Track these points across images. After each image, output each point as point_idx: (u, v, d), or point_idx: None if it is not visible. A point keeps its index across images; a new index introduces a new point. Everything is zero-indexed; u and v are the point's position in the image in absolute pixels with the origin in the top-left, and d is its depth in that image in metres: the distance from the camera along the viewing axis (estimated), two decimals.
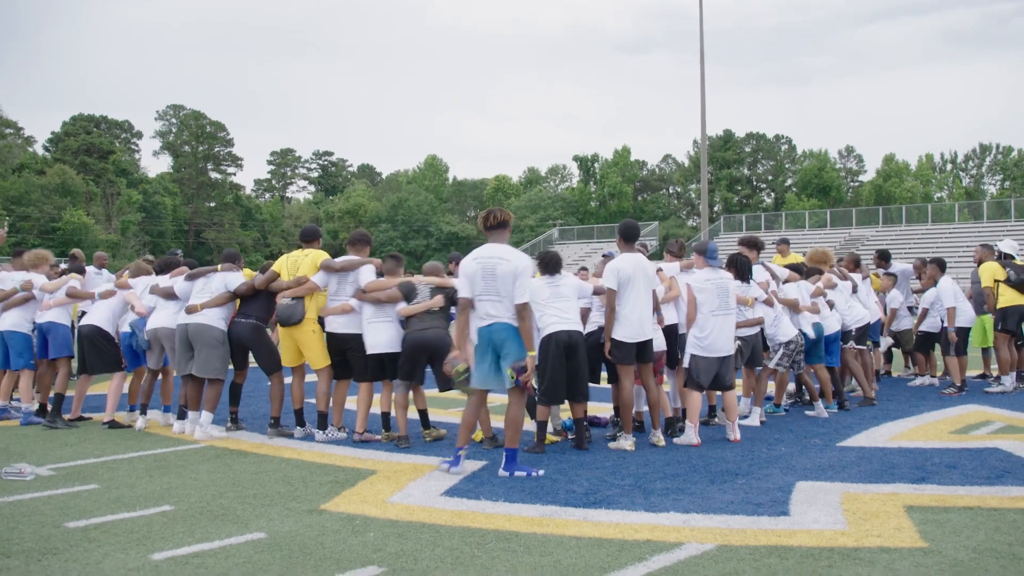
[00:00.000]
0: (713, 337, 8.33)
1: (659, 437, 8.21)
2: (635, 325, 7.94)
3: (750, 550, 5.00)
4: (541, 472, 7.01)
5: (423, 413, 8.70)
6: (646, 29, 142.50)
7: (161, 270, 10.01)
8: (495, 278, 6.98)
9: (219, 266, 9.18)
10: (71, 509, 6.05)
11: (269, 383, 9.11)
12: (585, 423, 8.30)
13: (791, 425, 9.19)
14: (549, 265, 8.18)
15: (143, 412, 9.47)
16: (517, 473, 6.94)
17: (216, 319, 8.86)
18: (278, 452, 8.05)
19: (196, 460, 7.73)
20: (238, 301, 9.09)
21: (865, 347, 11.07)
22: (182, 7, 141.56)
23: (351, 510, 5.96)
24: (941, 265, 12.38)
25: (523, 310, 6.96)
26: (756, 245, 10.01)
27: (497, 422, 8.24)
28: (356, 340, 8.56)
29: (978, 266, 12.43)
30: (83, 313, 10.32)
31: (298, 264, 8.81)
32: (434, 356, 8.24)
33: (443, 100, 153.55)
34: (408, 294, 8.44)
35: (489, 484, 6.66)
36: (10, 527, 5.63)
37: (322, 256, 8.79)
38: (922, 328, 12.52)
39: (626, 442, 7.99)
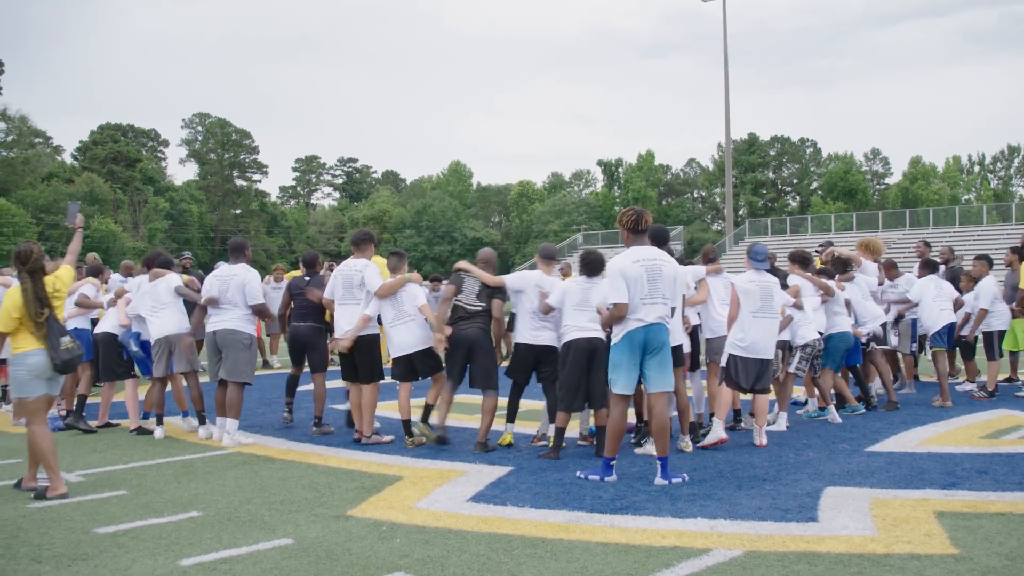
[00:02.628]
0: (753, 338, 8.31)
1: (687, 443, 8.17)
2: None
3: (778, 556, 4.96)
4: (687, 477, 6.97)
5: (428, 408, 8.80)
6: (664, 32, 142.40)
7: (147, 265, 9.78)
8: (661, 280, 6.91)
9: (218, 264, 9.30)
10: (100, 515, 6.10)
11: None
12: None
13: (819, 430, 9.12)
14: (591, 267, 8.12)
15: (159, 422, 9.47)
16: (674, 480, 6.84)
17: (245, 323, 8.97)
18: (304, 458, 8.08)
19: (223, 466, 7.77)
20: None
21: (888, 348, 11.02)
22: (207, 17, 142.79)
23: (378, 516, 5.97)
24: (989, 262, 12.19)
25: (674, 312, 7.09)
26: (803, 261, 9.85)
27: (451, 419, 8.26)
28: (364, 341, 8.74)
29: (1020, 260, 12.04)
30: (94, 321, 10.42)
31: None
32: (472, 354, 8.38)
33: (466, 105, 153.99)
34: (459, 287, 8.62)
35: (515, 490, 6.65)
36: (41, 533, 5.68)
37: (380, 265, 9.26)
38: (964, 332, 12.29)
39: (653, 447, 7.94)
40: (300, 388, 10.46)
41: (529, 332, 8.36)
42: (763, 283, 8.45)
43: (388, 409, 10.17)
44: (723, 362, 8.54)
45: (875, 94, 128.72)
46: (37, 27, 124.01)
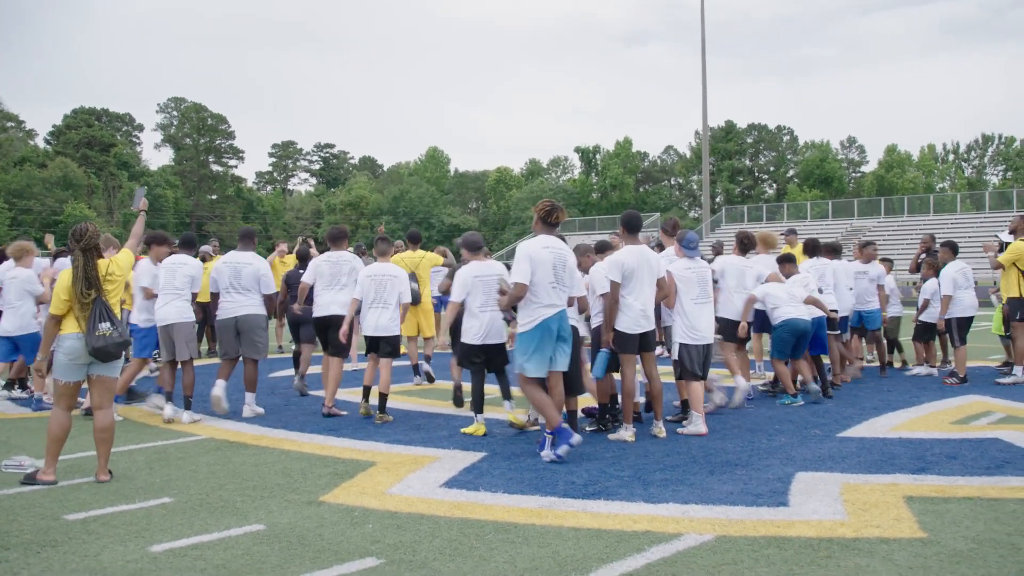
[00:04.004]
0: (698, 325, 8.51)
1: (660, 428, 8.20)
2: (638, 316, 7.94)
3: (749, 541, 4.99)
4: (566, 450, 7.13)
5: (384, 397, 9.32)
6: (644, 20, 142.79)
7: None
8: (566, 269, 7.40)
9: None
10: (70, 501, 6.05)
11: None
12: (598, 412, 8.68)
13: (791, 416, 9.18)
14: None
15: (169, 399, 9.40)
16: (558, 452, 7.10)
17: (261, 307, 9.62)
18: (278, 444, 8.05)
19: (196, 452, 7.73)
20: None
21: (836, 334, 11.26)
22: (183, 0, 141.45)
23: (350, 502, 5.96)
24: (954, 249, 12.26)
25: (583, 301, 7.91)
26: (744, 246, 10.34)
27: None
28: (339, 319, 9.63)
29: (1013, 235, 11.92)
30: None
31: (417, 263, 11.78)
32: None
33: (443, 92, 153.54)
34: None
35: (488, 475, 6.65)
36: (9, 519, 5.63)
37: (437, 260, 12.32)
38: (921, 318, 12.47)
39: (626, 433, 7.99)
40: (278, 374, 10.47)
41: (474, 332, 8.44)
42: (698, 270, 8.66)
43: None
44: (675, 355, 8.61)
45: (852, 83, 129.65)
46: (8, 10, 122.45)
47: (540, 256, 7.25)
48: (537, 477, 6.58)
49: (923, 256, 13.36)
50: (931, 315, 12.33)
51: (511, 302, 7.42)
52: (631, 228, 8.18)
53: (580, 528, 5.28)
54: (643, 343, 8.07)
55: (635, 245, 8.09)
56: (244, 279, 9.46)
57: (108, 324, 6.54)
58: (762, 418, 9.07)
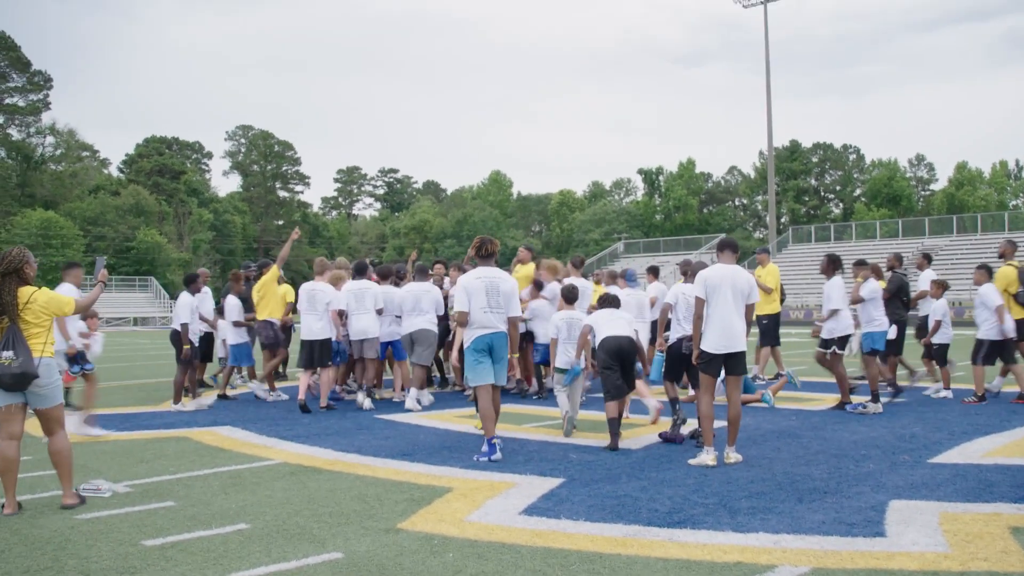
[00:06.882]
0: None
1: (733, 454, 7.92)
2: (720, 336, 7.75)
3: (847, 573, 4.75)
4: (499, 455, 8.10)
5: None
6: (700, 41, 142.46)
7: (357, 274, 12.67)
8: (500, 295, 8.36)
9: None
10: (148, 527, 6.01)
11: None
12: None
13: (877, 440, 8.84)
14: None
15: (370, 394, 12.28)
16: (493, 457, 8.07)
17: (433, 325, 12.33)
18: (352, 469, 7.95)
19: (271, 477, 7.67)
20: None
21: None
22: (249, 28, 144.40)
23: (428, 529, 5.82)
24: (988, 271, 12.05)
25: (517, 320, 8.65)
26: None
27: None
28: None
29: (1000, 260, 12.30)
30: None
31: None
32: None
33: (505, 115, 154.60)
34: None
35: (568, 503, 6.47)
36: (88, 544, 5.60)
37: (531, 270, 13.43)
38: (936, 340, 12.27)
39: (707, 457, 7.75)
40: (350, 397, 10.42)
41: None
42: (636, 297, 12.03)
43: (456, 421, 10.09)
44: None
45: (918, 99, 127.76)
46: (84, 43, 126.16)
47: (473, 286, 8.33)
48: (618, 504, 6.38)
49: (888, 274, 12.86)
50: (946, 336, 12.26)
51: (458, 325, 8.47)
52: (720, 247, 8.47)
53: (668, 559, 5.08)
54: (730, 365, 7.86)
55: (724, 264, 8.10)
56: (424, 304, 12.22)
57: (11, 353, 6.43)
58: (846, 442, 8.75)
